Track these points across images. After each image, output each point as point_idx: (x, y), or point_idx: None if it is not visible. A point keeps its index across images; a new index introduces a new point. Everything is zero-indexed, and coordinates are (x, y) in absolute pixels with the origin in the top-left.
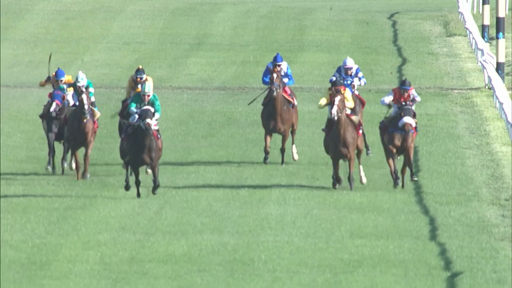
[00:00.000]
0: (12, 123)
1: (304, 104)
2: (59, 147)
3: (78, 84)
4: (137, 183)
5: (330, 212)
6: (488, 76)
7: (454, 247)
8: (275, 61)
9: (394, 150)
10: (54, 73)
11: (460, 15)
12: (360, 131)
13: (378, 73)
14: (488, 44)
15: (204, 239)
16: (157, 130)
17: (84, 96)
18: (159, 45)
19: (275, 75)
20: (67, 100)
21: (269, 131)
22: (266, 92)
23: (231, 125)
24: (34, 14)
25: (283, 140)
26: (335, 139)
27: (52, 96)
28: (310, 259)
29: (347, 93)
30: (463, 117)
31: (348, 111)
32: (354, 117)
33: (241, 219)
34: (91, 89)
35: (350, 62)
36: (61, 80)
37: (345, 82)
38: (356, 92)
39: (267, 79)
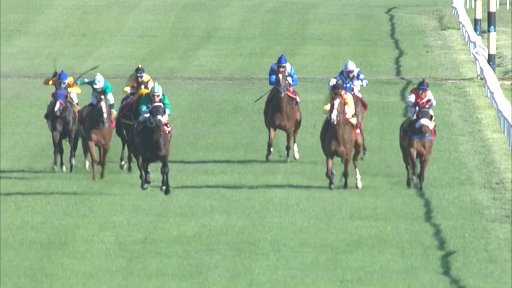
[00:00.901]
0: (33, 111)
1: (307, 93)
2: (65, 145)
3: (95, 87)
4: (147, 181)
5: (331, 195)
6: (480, 67)
7: (448, 228)
8: (280, 63)
9: (415, 153)
10: (57, 75)
11: (453, 9)
12: (358, 131)
13: (377, 64)
14: (480, 37)
15: (213, 221)
16: (167, 126)
17: (102, 104)
18: (170, 38)
19: (280, 75)
20: (71, 99)
21: (274, 127)
22: (271, 90)
23: (238, 113)
24: (54, 8)
25: (288, 138)
26: (331, 139)
27: (55, 96)
28: (312, 239)
29: (348, 97)
30: (456, 105)
31: (348, 116)
32: (352, 119)
33: (247, 201)
34: (110, 96)
35: (352, 65)
36: (64, 82)
37: (345, 85)
38: (359, 95)
39: (273, 79)
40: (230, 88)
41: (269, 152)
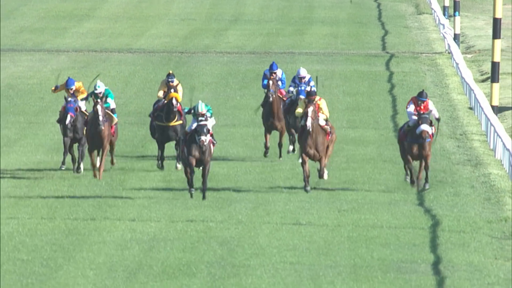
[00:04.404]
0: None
1: (313, 64)
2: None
3: (96, 92)
4: (191, 175)
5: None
6: (448, 44)
7: None
8: (271, 69)
9: (411, 160)
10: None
11: None
12: (330, 136)
13: (367, 41)
14: (448, 20)
15: (239, 164)
16: (212, 136)
17: (99, 107)
18: (206, 21)
19: (271, 82)
20: (79, 107)
21: (267, 129)
22: (265, 95)
23: (259, 80)
24: None
25: (280, 136)
26: (305, 143)
27: (65, 110)
28: (316, 178)
29: (322, 103)
30: (429, 73)
31: (322, 122)
32: (325, 127)
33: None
34: (109, 99)
35: (303, 72)
36: (71, 89)
37: (300, 88)
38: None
39: (265, 84)
40: (252, 60)
41: (265, 152)
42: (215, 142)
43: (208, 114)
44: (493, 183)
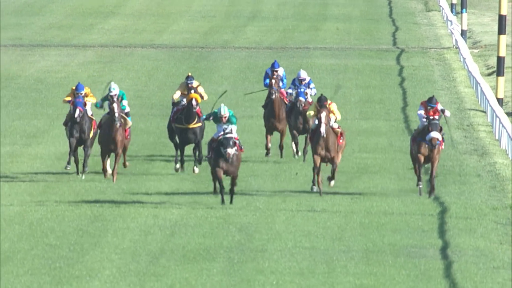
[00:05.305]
0: (123, 72)
1: (327, 59)
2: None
3: (111, 94)
4: (221, 189)
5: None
6: (455, 39)
7: None
8: (273, 67)
9: (422, 158)
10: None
11: None
12: (341, 141)
13: (378, 37)
14: (455, 17)
15: (257, 154)
16: (238, 141)
17: (115, 105)
18: (225, 17)
19: (273, 81)
20: (85, 110)
21: (268, 130)
22: (266, 93)
23: None
24: None
25: (281, 137)
26: (317, 144)
27: (74, 104)
28: (330, 167)
29: (333, 107)
30: (438, 68)
31: (335, 125)
32: (336, 129)
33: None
34: (125, 102)
35: (304, 74)
36: (81, 93)
37: (299, 90)
38: (310, 100)
39: (267, 83)
40: (269, 55)
41: (267, 154)
42: (242, 147)
43: (229, 115)
44: (499, 171)
